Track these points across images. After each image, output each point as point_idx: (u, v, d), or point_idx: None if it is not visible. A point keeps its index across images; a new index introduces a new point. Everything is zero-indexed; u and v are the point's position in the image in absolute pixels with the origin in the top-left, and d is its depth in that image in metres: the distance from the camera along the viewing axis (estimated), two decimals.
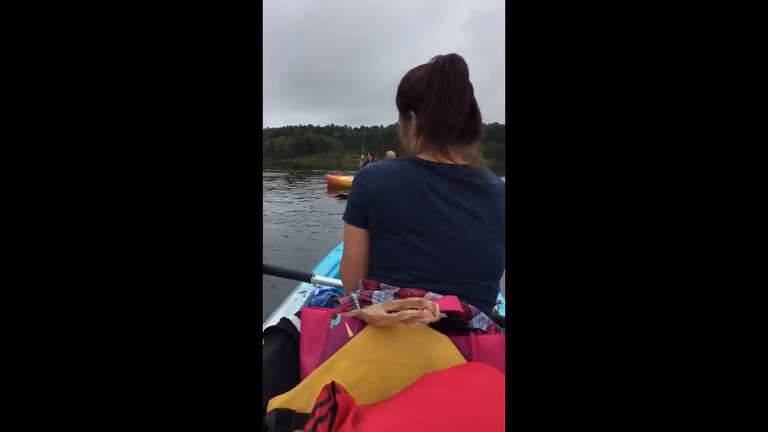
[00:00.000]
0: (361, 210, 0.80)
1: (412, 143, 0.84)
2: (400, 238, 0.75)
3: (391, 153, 7.84)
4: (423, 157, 0.80)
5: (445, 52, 0.79)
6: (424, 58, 0.83)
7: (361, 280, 0.80)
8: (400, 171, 0.78)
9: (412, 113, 0.83)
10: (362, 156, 8.15)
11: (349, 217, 0.82)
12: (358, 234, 0.82)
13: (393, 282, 0.75)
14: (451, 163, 0.78)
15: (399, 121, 0.89)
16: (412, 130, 0.83)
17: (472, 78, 0.80)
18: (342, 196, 7.35)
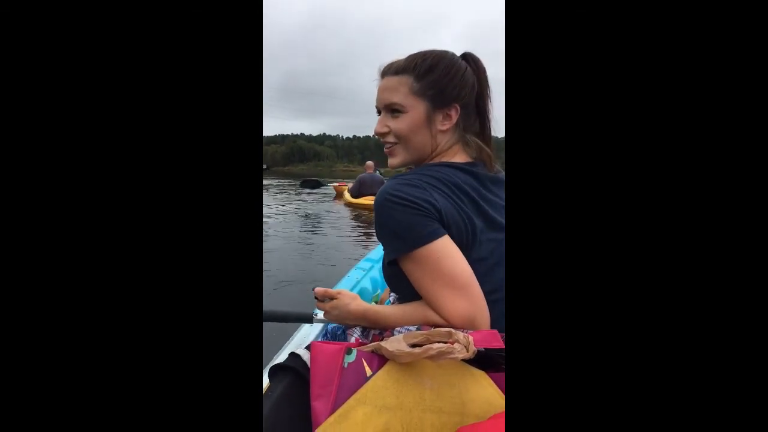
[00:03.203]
0: (440, 220, 0.63)
1: (436, 139, 0.71)
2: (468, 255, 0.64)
3: (370, 163, 8.30)
4: (458, 159, 0.71)
5: None
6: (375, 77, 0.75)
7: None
8: (451, 181, 0.66)
9: (457, 107, 0.70)
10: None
11: (435, 232, 0.61)
12: (455, 247, 0.63)
13: None
14: (478, 160, 0.73)
15: (418, 109, 0.69)
16: (446, 125, 0.70)
17: None
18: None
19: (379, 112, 0.73)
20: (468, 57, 0.73)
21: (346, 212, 7.36)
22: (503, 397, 0.52)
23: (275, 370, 0.61)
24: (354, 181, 8.25)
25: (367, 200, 7.08)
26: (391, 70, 0.71)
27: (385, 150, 0.74)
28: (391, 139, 0.72)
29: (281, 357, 1.00)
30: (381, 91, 0.71)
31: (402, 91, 0.69)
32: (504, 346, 0.54)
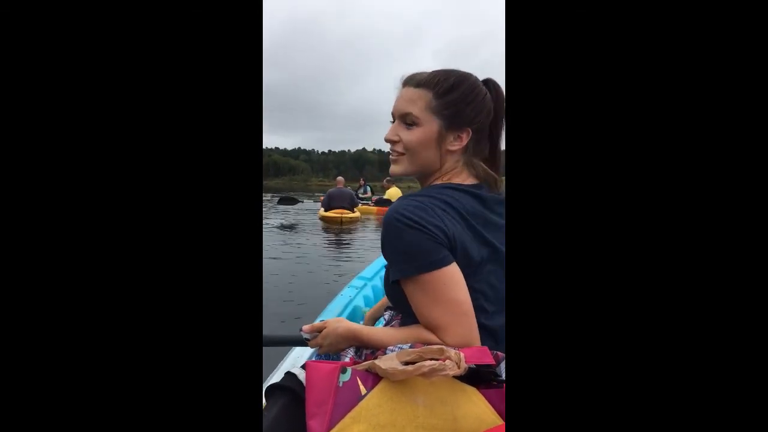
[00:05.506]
0: (449, 247, 0.63)
1: (443, 158, 0.71)
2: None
3: (340, 178, 8.93)
4: (459, 181, 0.71)
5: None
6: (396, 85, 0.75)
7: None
8: (460, 206, 0.67)
9: (469, 130, 0.70)
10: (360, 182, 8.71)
11: (444, 259, 0.62)
12: (461, 275, 0.64)
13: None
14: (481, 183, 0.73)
15: (431, 126, 0.69)
16: (456, 146, 0.71)
17: None
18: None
19: (394, 119, 0.73)
20: (489, 83, 0.74)
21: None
22: (494, 413, 0.53)
23: (272, 390, 0.62)
24: (325, 195, 8.66)
25: (336, 213, 7.73)
26: (413, 82, 0.71)
27: (390, 157, 0.74)
28: (399, 148, 0.71)
29: (277, 376, 0.99)
30: (399, 99, 0.72)
31: (419, 104, 0.69)
32: (494, 362, 0.56)
